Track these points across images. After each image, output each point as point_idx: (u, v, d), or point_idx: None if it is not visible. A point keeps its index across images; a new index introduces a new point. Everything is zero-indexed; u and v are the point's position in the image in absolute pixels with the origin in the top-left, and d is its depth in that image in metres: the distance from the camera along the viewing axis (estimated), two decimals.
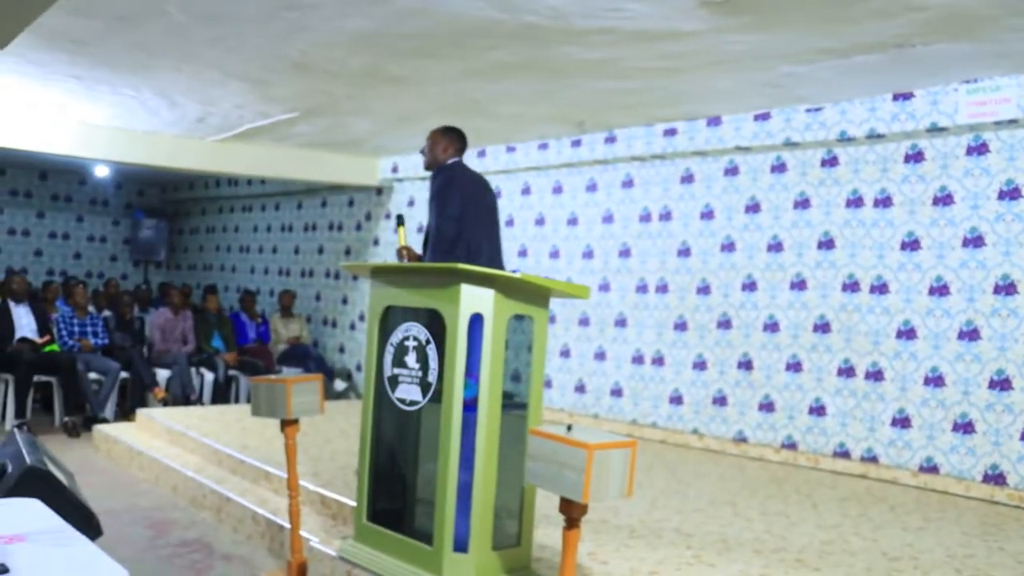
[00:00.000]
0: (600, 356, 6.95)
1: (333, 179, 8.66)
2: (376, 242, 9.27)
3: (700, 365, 6.30)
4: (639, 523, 3.99)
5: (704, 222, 6.36)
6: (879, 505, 4.62)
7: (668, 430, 6.42)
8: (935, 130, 5.11)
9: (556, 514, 2.45)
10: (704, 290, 6.32)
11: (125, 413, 7.79)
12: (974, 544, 3.90)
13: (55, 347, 7.70)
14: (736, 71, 4.95)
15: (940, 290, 5.16)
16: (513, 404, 3.26)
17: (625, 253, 6.85)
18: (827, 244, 5.68)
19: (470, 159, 7.92)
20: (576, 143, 7.05)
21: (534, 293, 3.16)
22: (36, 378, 7.35)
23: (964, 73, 4.80)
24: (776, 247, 5.94)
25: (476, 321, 3.02)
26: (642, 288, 6.72)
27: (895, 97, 5.25)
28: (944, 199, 5.18)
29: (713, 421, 6.19)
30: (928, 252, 5.23)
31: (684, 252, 6.46)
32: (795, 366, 5.78)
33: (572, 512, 2.41)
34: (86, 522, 2.97)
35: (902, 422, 5.26)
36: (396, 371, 3.30)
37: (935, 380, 5.15)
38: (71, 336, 7.90)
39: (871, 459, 5.38)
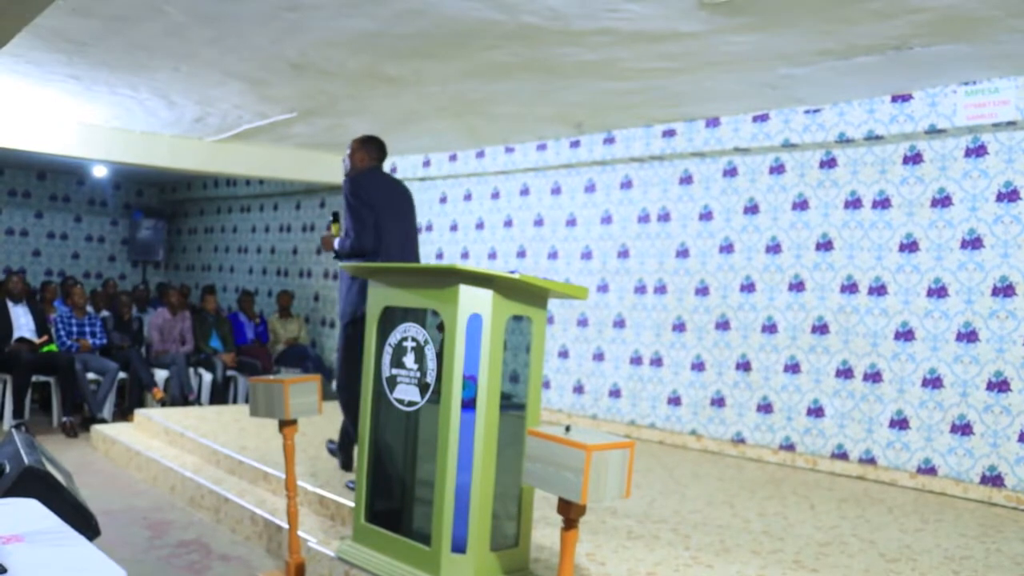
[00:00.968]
0: (598, 357, 6.96)
1: (332, 179, 8.66)
2: None
3: (698, 366, 6.30)
4: (637, 524, 3.99)
5: (702, 223, 6.36)
6: (877, 506, 4.62)
7: (666, 431, 6.42)
8: (934, 132, 5.12)
9: (554, 515, 2.46)
10: (702, 291, 6.32)
11: (123, 413, 7.79)
12: (972, 545, 3.90)
13: (53, 347, 7.69)
14: (735, 72, 4.95)
15: (938, 292, 5.16)
16: (511, 405, 3.26)
17: (623, 254, 6.85)
18: (825, 245, 5.69)
19: (469, 159, 7.95)
20: (575, 144, 7.06)
21: (532, 294, 3.16)
22: (34, 378, 7.35)
23: (962, 75, 4.80)
24: (774, 248, 5.94)
25: (474, 322, 3.02)
26: (640, 289, 6.72)
27: (894, 99, 5.25)
28: (942, 201, 5.19)
29: (711, 422, 6.20)
30: (926, 254, 5.23)
31: (682, 253, 6.46)
32: (793, 367, 5.79)
33: (570, 513, 2.41)
34: (84, 522, 2.97)
35: (900, 424, 5.27)
36: (394, 371, 3.30)
37: (933, 382, 5.15)
38: (69, 336, 7.90)
39: (869, 460, 5.38)
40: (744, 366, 6.05)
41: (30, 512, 2.47)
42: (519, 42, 4.57)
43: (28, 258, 12.18)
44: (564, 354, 7.21)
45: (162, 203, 13.35)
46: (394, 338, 3.31)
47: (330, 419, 6.64)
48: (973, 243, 5.04)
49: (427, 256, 8.54)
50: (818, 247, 5.72)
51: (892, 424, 5.30)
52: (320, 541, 3.81)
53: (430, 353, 3.17)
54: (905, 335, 5.29)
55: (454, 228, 8.31)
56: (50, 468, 3.21)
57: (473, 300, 3.02)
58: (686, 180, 6.48)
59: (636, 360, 6.69)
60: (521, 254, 7.65)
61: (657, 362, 6.56)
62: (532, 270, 7.45)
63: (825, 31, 4.18)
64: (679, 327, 6.44)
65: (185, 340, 8.59)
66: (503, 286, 3.05)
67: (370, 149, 4.56)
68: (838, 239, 5.63)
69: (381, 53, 4.92)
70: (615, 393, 6.82)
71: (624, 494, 2.44)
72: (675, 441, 6.34)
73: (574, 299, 3.37)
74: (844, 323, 5.56)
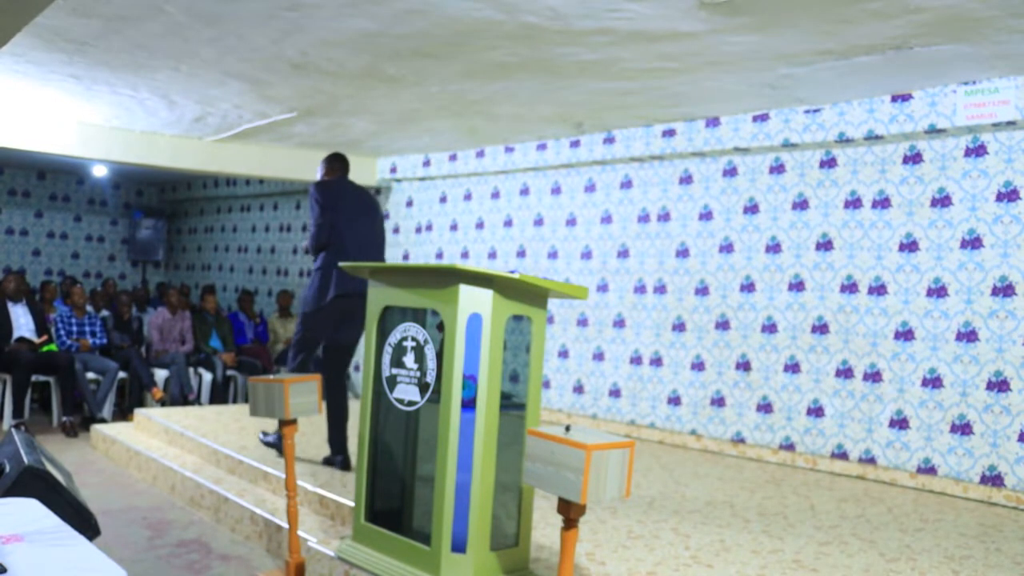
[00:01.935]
0: (598, 357, 6.96)
1: None
2: None
3: (698, 366, 6.31)
4: (637, 523, 3.99)
5: (702, 223, 6.36)
6: (877, 506, 4.62)
7: (666, 431, 6.42)
8: (933, 131, 5.12)
9: (554, 514, 2.46)
10: (702, 291, 6.32)
11: (123, 413, 7.80)
12: (972, 545, 3.90)
13: (53, 347, 7.69)
14: (735, 72, 4.95)
15: (938, 291, 5.17)
16: (511, 404, 3.25)
17: (623, 254, 6.85)
18: (825, 245, 5.69)
19: (469, 159, 7.95)
20: (575, 144, 7.06)
21: (532, 293, 3.16)
22: (34, 378, 7.35)
23: (962, 75, 4.80)
24: (774, 248, 5.95)
25: (474, 321, 3.02)
26: (640, 289, 6.72)
27: (893, 98, 5.25)
28: (942, 200, 5.19)
29: (711, 422, 6.20)
30: (926, 253, 5.23)
31: (682, 253, 6.46)
32: (793, 367, 5.79)
33: (570, 512, 2.42)
34: (84, 522, 2.97)
35: (900, 423, 5.27)
36: (394, 371, 3.30)
37: (933, 381, 5.15)
38: (69, 336, 7.90)
39: (869, 460, 5.39)
40: (744, 366, 6.05)
41: (30, 512, 2.47)
42: (519, 42, 4.58)
43: (28, 258, 12.19)
44: (564, 354, 7.21)
45: (162, 203, 13.35)
46: (394, 338, 3.31)
47: None
48: (973, 243, 5.04)
49: (427, 256, 8.55)
50: (818, 247, 5.72)
51: (892, 424, 5.30)
52: (320, 541, 3.81)
53: (430, 353, 3.17)
54: (905, 335, 5.29)
55: (454, 228, 8.31)
56: (50, 468, 3.21)
57: (473, 300, 3.02)
58: (686, 180, 6.48)
59: (636, 360, 6.69)
60: (521, 254, 7.65)
61: (657, 362, 6.56)
62: (532, 270, 7.45)
63: (825, 31, 4.18)
64: (679, 327, 6.44)
65: (185, 340, 8.59)
66: (503, 286, 3.05)
67: (334, 163, 5.19)
68: (838, 239, 5.63)
69: (381, 53, 4.93)
70: (615, 393, 6.82)
71: (624, 494, 2.44)
72: (675, 441, 6.34)
73: (574, 299, 3.37)
74: (844, 323, 5.56)
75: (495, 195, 7.92)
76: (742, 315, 6.08)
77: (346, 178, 5.18)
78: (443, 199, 8.44)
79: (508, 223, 7.77)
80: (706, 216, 6.34)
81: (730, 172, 6.23)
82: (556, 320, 7.25)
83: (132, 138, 7.66)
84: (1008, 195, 4.93)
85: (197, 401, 8.26)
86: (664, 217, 6.60)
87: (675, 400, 6.42)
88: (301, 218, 10.57)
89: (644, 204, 6.74)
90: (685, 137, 6.30)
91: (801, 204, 5.83)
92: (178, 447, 6.04)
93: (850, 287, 5.55)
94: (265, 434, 5.48)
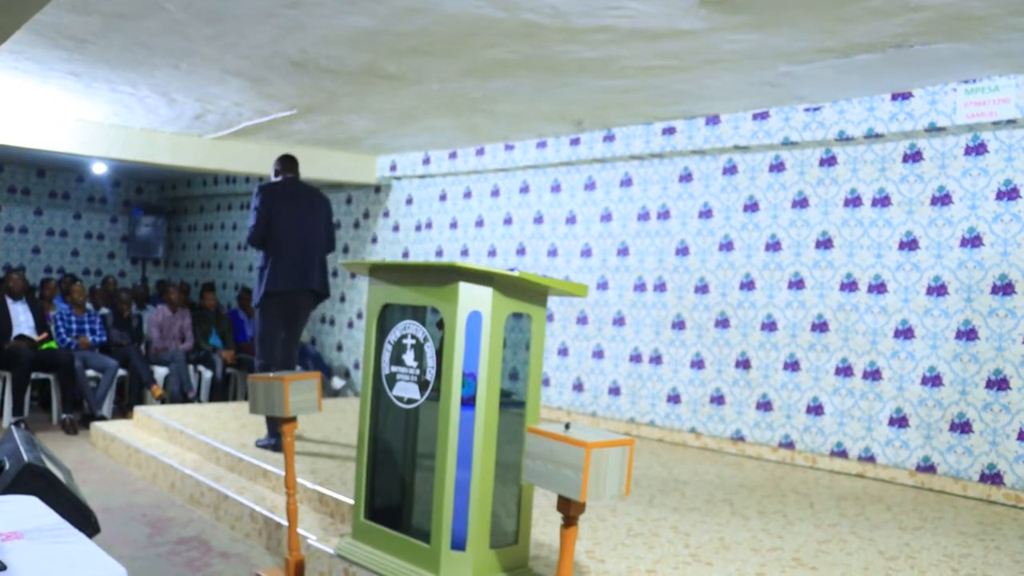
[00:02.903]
0: (598, 355, 6.96)
1: (331, 177, 8.66)
2: (374, 240, 9.27)
3: (698, 364, 6.31)
4: (636, 521, 4.00)
5: (702, 221, 6.36)
6: (876, 504, 4.63)
7: (666, 429, 6.43)
8: (933, 130, 5.12)
9: (554, 512, 2.46)
10: (702, 289, 6.32)
11: (123, 410, 7.80)
12: (971, 543, 3.90)
13: (53, 344, 7.70)
14: (735, 70, 4.95)
15: (938, 290, 5.17)
16: (511, 402, 3.26)
17: (623, 252, 6.85)
18: (825, 243, 5.69)
19: (469, 157, 7.95)
20: (575, 141, 7.06)
21: (532, 291, 3.16)
22: (34, 375, 7.36)
23: (962, 73, 4.80)
24: (774, 246, 5.95)
25: (474, 319, 3.02)
26: (640, 287, 6.72)
27: (894, 97, 5.25)
28: (942, 199, 5.19)
29: (711, 420, 6.20)
30: (926, 252, 5.23)
31: (682, 251, 6.46)
32: (793, 365, 5.79)
33: (570, 510, 2.42)
34: (84, 519, 2.98)
35: (899, 422, 5.27)
36: (394, 369, 3.30)
37: (932, 380, 5.15)
38: (69, 333, 7.90)
39: (868, 458, 5.39)
40: (743, 364, 6.05)
41: (30, 509, 2.47)
42: (519, 40, 4.57)
43: (28, 255, 12.18)
44: (564, 352, 7.21)
45: (162, 200, 13.34)
46: (394, 335, 3.31)
47: (328, 416, 6.65)
48: (973, 241, 5.04)
49: (427, 254, 8.55)
50: (818, 245, 5.72)
51: (891, 422, 5.31)
52: (320, 538, 3.81)
53: (430, 350, 3.17)
54: (904, 333, 5.29)
55: (454, 226, 8.31)
56: (50, 465, 3.21)
57: (473, 297, 3.02)
58: (686, 178, 6.48)
59: (635, 358, 6.69)
60: (521, 251, 7.65)
61: (656, 360, 6.56)
62: (532, 267, 7.45)
63: (825, 29, 4.18)
64: (679, 325, 6.44)
65: (185, 337, 8.59)
66: (503, 284, 3.05)
67: (285, 164, 5.59)
68: (838, 237, 5.63)
69: (381, 50, 4.92)
70: (614, 391, 6.82)
71: (623, 492, 2.44)
72: (674, 439, 6.35)
73: (574, 297, 3.37)
74: (844, 321, 5.56)
75: (495, 193, 7.91)
76: (742, 313, 6.08)
77: (295, 179, 5.56)
78: (443, 197, 8.44)
79: (508, 221, 7.77)
80: (706, 214, 6.34)
81: (730, 170, 6.22)
82: (556, 318, 7.25)
83: (132, 135, 7.66)
84: (1008, 193, 4.93)
85: (197, 399, 8.27)
86: (664, 215, 6.60)
87: (675, 398, 6.42)
88: None
89: (644, 202, 6.74)
90: (685, 135, 6.29)
91: (801, 202, 5.83)
92: (178, 445, 6.04)
93: (850, 285, 5.55)
94: (260, 439, 5.54)
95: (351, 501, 4.08)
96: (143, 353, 8.31)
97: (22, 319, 7.62)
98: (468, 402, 3.05)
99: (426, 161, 8.41)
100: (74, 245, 12.64)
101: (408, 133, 7.47)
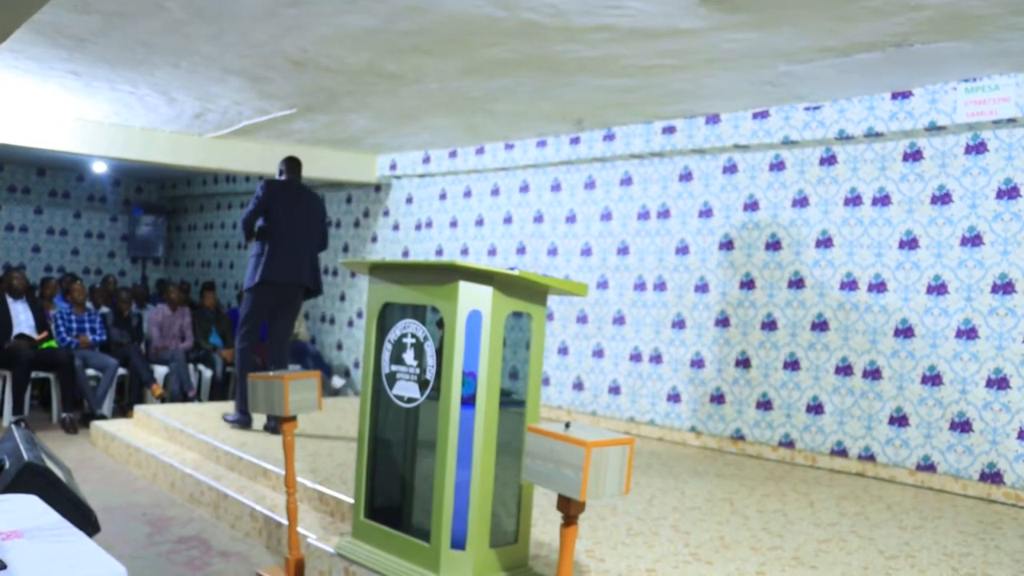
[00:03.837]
0: (598, 354, 6.96)
1: (331, 176, 8.66)
2: (374, 239, 9.27)
3: (698, 363, 6.31)
4: (636, 520, 4.00)
5: (702, 220, 6.36)
6: (876, 503, 4.63)
7: (666, 428, 6.43)
8: (934, 129, 5.12)
9: (554, 511, 2.46)
10: (702, 288, 6.32)
11: (123, 410, 7.80)
12: (971, 542, 3.90)
13: (53, 343, 7.70)
14: (735, 69, 4.95)
15: (938, 289, 5.17)
16: (511, 401, 3.26)
17: (623, 251, 6.85)
18: (825, 242, 5.69)
19: (469, 156, 7.95)
20: (575, 140, 7.06)
21: (532, 290, 3.16)
22: (34, 374, 7.36)
23: (963, 72, 4.80)
24: (774, 245, 5.94)
25: (474, 318, 3.02)
26: (640, 286, 6.72)
27: (894, 96, 5.25)
28: (942, 198, 5.19)
29: (711, 419, 6.20)
30: (926, 251, 5.23)
31: (682, 250, 6.46)
32: (793, 364, 5.79)
33: (570, 509, 2.42)
34: (84, 518, 2.98)
35: (899, 420, 5.27)
36: (394, 368, 3.30)
37: (933, 379, 5.15)
38: (69, 332, 7.90)
39: (868, 457, 5.39)
40: (743, 363, 6.05)
41: (30, 508, 2.47)
42: (519, 39, 4.57)
43: (28, 254, 12.18)
44: (564, 351, 7.21)
45: (162, 199, 13.34)
46: (394, 334, 3.31)
47: (328, 415, 6.65)
48: (973, 240, 5.04)
49: (427, 253, 8.55)
50: (818, 244, 5.72)
51: (891, 421, 5.31)
52: (320, 537, 3.81)
53: (430, 349, 3.17)
54: (905, 332, 5.29)
55: (454, 224, 8.31)
56: (50, 464, 3.21)
57: (473, 297, 3.02)
58: (686, 177, 6.48)
59: (635, 357, 6.69)
60: (521, 250, 7.65)
61: (657, 359, 6.56)
62: (532, 267, 7.46)
63: (825, 28, 4.17)
64: (679, 324, 6.44)
65: (185, 336, 8.59)
66: (503, 283, 3.05)
67: (291, 164, 6.03)
68: (838, 236, 5.63)
69: (381, 50, 4.92)
70: (614, 390, 6.82)
71: (623, 491, 2.44)
72: (674, 438, 6.35)
73: (574, 296, 3.38)
74: (844, 320, 5.56)
75: (495, 192, 7.91)
76: (742, 312, 6.08)
77: (297, 180, 6.01)
78: (443, 196, 8.44)
79: (508, 220, 7.77)
80: (706, 213, 6.34)
81: (730, 169, 6.22)
82: (556, 317, 7.25)
83: (132, 134, 7.66)
84: (1008, 192, 4.93)
85: (197, 398, 8.27)
86: (664, 214, 6.60)
87: (675, 397, 6.42)
88: None
89: (644, 201, 6.74)
90: (685, 134, 6.29)
91: (801, 201, 5.83)
92: (178, 444, 6.05)
93: (850, 284, 5.55)
94: (227, 415, 6.12)
95: (351, 500, 4.08)
96: (143, 352, 8.31)
97: (22, 318, 7.62)
98: (468, 401, 3.05)
99: (426, 160, 8.41)
100: (74, 244, 12.64)
101: (408, 132, 7.47)
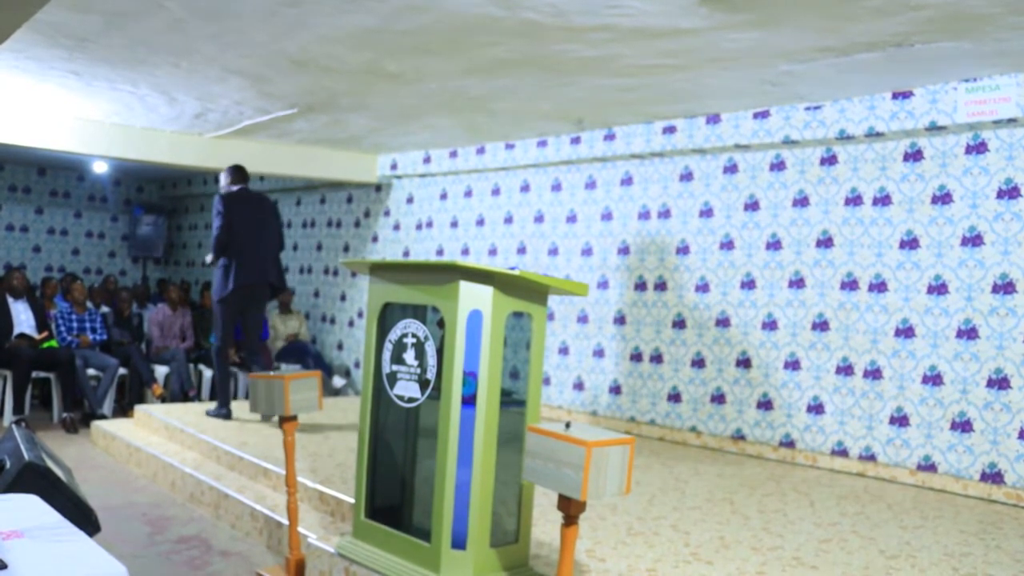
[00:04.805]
0: (598, 353, 6.96)
1: (332, 176, 8.66)
2: (375, 239, 9.27)
3: (698, 363, 6.31)
4: (637, 520, 4.00)
5: (703, 220, 6.36)
6: (877, 503, 4.63)
7: (666, 428, 6.43)
8: (934, 129, 5.12)
9: (554, 511, 2.46)
10: (703, 288, 6.32)
11: (123, 409, 7.80)
12: (971, 542, 3.90)
13: (53, 343, 7.70)
14: (735, 69, 4.95)
15: (939, 289, 5.16)
16: (511, 401, 3.26)
17: (624, 250, 6.85)
18: (826, 242, 5.68)
19: (469, 155, 7.95)
20: (575, 140, 7.05)
21: (533, 290, 3.16)
22: (34, 374, 7.35)
23: (963, 72, 4.80)
24: (775, 245, 5.94)
25: (475, 318, 3.02)
26: (641, 286, 6.72)
27: (894, 95, 5.25)
28: (943, 198, 5.19)
29: (711, 419, 6.20)
30: (927, 251, 5.23)
31: (683, 250, 6.46)
32: (793, 364, 5.79)
33: (570, 509, 2.42)
34: (84, 518, 2.97)
35: (900, 420, 5.27)
36: (394, 368, 3.30)
37: (933, 379, 5.15)
38: (69, 332, 7.90)
39: (869, 457, 5.39)
40: (744, 363, 6.05)
41: (30, 508, 2.47)
42: (520, 38, 4.57)
43: (28, 254, 12.18)
44: (564, 350, 7.21)
45: (162, 199, 13.34)
46: (394, 334, 3.31)
47: (329, 415, 6.65)
48: (973, 240, 5.04)
49: (428, 252, 8.55)
50: (818, 244, 5.72)
51: (892, 421, 5.30)
52: (320, 537, 3.81)
53: (430, 349, 3.17)
54: (905, 332, 5.29)
55: (454, 224, 8.31)
56: (50, 464, 3.21)
57: (473, 296, 3.02)
58: (686, 177, 6.48)
59: (636, 357, 6.69)
60: (521, 250, 7.65)
61: (657, 359, 6.56)
62: (532, 266, 7.45)
63: (826, 28, 4.17)
64: (679, 324, 6.44)
65: (185, 336, 8.59)
66: (503, 282, 3.05)
67: (233, 175, 6.39)
68: (838, 236, 5.63)
69: (382, 49, 4.92)
70: (615, 390, 6.82)
71: (624, 491, 2.44)
72: (675, 438, 6.35)
73: (574, 295, 3.38)
74: (844, 320, 5.56)
75: (496, 192, 7.91)
76: (742, 312, 6.08)
77: (246, 188, 6.39)
78: (443, 196, 8.44)
79: (508, 220, 7.77)
80: (706, 213, 6.34)
81: (730, 169, 6.22)
82: (556, 317, 7.25)
83: (132, 134, 7.66)
84: (1009, 192, 4.93)
85: (197, 397, 8.27)
86: (664, 214, 6.60)
87: (675, 397, 6.42)
88: (301, 214, 10.57)
89: (644, 201, 6.74)
90: (686, 134, 6.29)
91: (801, 201, 5.83)
92: (178, 443, 6.05)
93: (850, 284, 5.55)
94: (209, 410, 6.45)
95: (351, 500, 4.08)
96: (144, 352, 8.31)
97: (23, 318, 7.62)
98: (469, 401, 3.05)
99: (427, 160, 8.41)
100: (75, 244, 12.64)
101: (409, 132, 7.47)
